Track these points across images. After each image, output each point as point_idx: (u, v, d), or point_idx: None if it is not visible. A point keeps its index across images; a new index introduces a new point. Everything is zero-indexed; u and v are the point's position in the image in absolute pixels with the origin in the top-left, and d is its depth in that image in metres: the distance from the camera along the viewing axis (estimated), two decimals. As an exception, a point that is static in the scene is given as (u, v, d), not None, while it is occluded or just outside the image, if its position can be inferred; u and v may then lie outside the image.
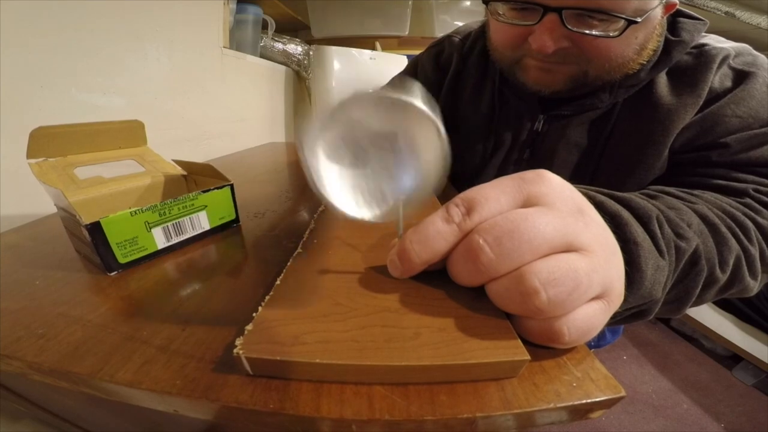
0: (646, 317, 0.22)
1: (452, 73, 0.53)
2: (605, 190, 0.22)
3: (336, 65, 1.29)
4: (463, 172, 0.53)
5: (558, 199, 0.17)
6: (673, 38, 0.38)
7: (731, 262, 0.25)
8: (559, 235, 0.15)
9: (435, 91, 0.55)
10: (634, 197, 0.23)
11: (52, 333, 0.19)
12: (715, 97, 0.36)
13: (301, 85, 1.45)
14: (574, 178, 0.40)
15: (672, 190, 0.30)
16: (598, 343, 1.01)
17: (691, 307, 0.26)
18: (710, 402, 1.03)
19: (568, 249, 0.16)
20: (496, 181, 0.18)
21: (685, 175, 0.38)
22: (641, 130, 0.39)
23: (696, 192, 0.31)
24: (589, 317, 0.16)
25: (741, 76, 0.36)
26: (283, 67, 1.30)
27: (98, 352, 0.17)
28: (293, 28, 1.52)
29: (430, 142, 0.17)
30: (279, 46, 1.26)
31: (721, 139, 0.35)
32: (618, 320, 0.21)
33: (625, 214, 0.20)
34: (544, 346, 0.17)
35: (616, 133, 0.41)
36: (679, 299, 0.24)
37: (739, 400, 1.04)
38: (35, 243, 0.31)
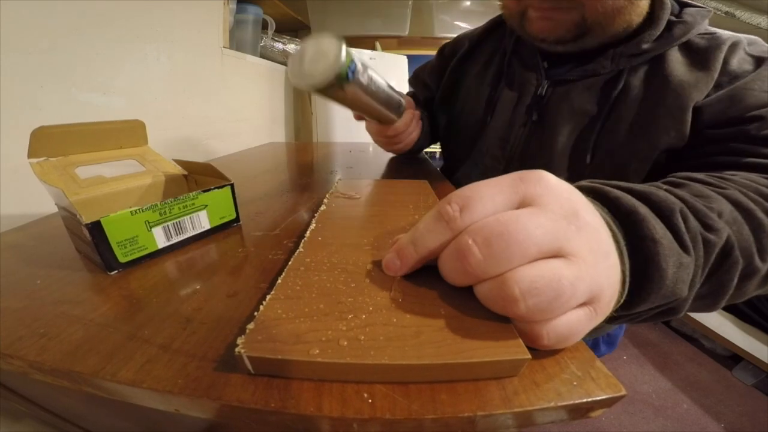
0: (676, 314, 0.21)
1: (464, 52, 0.58)
2: (624, 184, 0.22)
3: (336, 65, 1.29)
4: (464, 135, 0.56)
5: (553, 200, 0.16)
6: (675, 19, 0.40)
7: None
8: (548, 239, 0.15)
9: (438, 75, 0.63)
10: (656, 190, 0.22)
11: (53, 332, 0.19)
12: (736, 76, 0.37)
13: (301, 85, 1.45)
14: (578, 141, 0.44)
15: (700, 176, 0.28)
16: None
17: (732, 301, 0.24)
18: (710, 402, 1.03)
19: (557, 253, 0.15)
20: (495, 179, 0.18)
21: (716, 153, 0.36)
22: (651, 96, 0.40)
23: (726, 175, 0.29)
24: (572, 324, 0.16)
25: (760, 61, 0.37)
26: (283, 67, 1.30)
27: (100, 351, 0.17)
28: (293, 28, 1.52)
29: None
30: (279, 46, 1.26)
31: (753, 111, 0.34)
32: (645, 318, 0.21)
33: (643, 210, 0.19)
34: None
35: (623, 98, 0.42)
36: (713, 293, 0.23)
37: (739, 400, 1.04)
38: (36, 242, 0.31)
